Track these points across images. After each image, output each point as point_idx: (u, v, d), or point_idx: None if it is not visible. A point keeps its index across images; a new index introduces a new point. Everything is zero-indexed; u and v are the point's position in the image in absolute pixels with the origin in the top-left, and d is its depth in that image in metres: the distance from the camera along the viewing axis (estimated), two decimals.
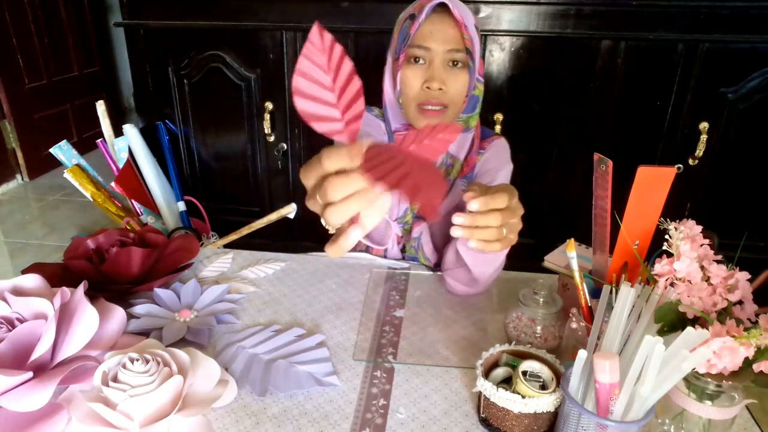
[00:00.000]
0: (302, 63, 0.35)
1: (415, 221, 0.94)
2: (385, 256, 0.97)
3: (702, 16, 1.59)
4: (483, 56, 1.71)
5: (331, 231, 0.42)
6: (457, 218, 0.56)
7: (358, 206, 0.36)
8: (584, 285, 0.62)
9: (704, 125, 1.68)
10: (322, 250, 1.09)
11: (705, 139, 1.69)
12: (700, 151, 1.71)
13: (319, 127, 0.36)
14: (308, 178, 0.38)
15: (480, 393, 0.59)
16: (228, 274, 0.91)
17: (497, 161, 0.93)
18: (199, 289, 0.83)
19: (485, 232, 0.57)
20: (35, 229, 2.57)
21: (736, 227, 1.79)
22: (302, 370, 0.66)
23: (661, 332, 0.50)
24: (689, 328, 0.45)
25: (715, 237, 0.54)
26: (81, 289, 0.65)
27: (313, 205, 0.39)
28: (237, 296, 0.83)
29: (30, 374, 0.57)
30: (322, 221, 0.38)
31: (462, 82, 0.84)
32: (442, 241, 0.94)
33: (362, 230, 0.39)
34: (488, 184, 0.85)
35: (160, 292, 0.80)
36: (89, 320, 0.62)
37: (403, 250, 0.97)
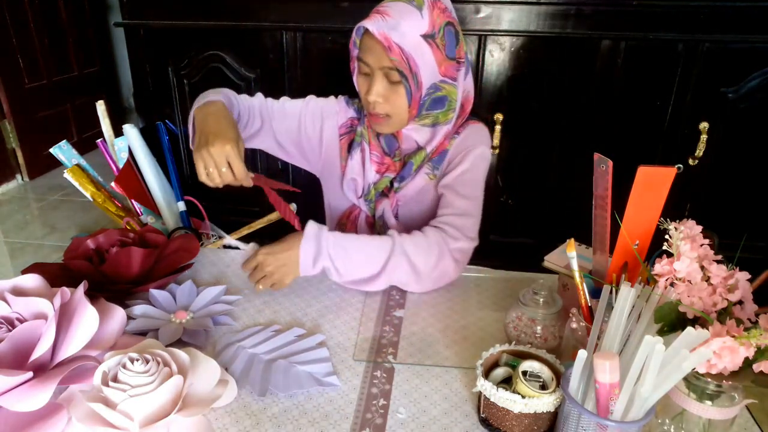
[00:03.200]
0: None
1: (377, 199, 0.96)
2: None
3: (702, 16, 1.59)
4: (483, 56, 1.71)
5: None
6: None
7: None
8: (584, 285, 0.62)
9: (704, 125, 1.68)
10: None
11: (705, 139, 1.68)
12: (700, 151, 1.70)
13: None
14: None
15: (480, 393, 0.59)
16: (228, 274, 0.91)
17: (469, 142, 0.93)
18: (194, 290, 0.83)
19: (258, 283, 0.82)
20: (35, 229, 2.57)
21: (736, 227, 1.78)
22: (302, 370, 0.66)
23: (661, 332, 0.50)
24: (689, 328, 0.45)
25: (715, 237, 0.54)
26: (81, 289, 0.65)
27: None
28: (233, 298, 0.83)
29: (30, 374, 0.57)
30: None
31: (399, 98, 0.85)
32: (412, 222, 0.96)
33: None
34: (454, 170, 0.91)
35: (156, 293, 0.80)
36: (89, 320, 0.62)
37: (372, 228, 0.99)
